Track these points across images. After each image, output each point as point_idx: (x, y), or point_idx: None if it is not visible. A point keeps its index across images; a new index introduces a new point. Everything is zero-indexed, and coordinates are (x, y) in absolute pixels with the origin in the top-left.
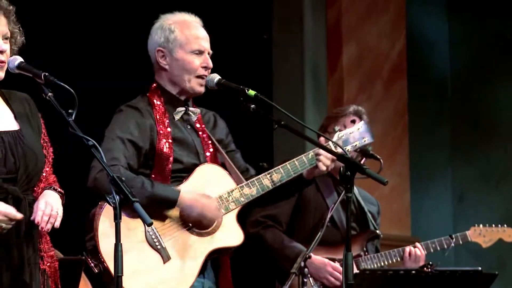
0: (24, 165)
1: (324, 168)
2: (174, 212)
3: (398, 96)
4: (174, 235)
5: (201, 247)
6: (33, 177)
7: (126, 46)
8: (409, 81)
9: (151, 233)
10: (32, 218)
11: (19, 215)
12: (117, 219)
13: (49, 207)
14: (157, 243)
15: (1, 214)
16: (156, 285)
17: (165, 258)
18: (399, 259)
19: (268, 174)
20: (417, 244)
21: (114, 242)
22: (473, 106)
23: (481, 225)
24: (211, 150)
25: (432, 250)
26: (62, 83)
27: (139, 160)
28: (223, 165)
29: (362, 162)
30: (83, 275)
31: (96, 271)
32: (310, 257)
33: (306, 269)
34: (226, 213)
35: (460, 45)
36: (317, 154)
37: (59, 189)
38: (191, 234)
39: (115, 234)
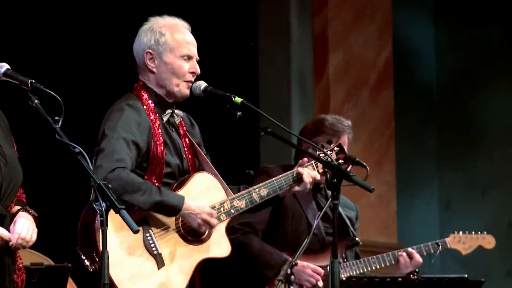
0: (7, 182)
1: (308, 185)
2: (170, 219)
3: (385, 104)
4: (168, 242)
5: (192, 256)
6: (14, 193)
7: (115, 46)
8: (395, 89)
9: (149, 238)
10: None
11: (8, 236)
12: (103, 226)
13: (25, 230)
14: (153, 249)
15: None
16: None
17: (160, 264)
18: (378, 266)
19: (257, 188)
20: (410, 250)
21: (114, 242)
22: (459, 114)
23: (460, 232)
24: (192, 154)
25: None
26: (48, 90)
27: (137, 162)
28: (199, 168)
29: (348, 169)
30: (70, 281)
31: (91, 270)
32: (296, 264)
33: (292, 276)
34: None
35: (446, 54)
36: (299, 173)
37: (32, 212)
38: (184, 242)
39: (101, 241)
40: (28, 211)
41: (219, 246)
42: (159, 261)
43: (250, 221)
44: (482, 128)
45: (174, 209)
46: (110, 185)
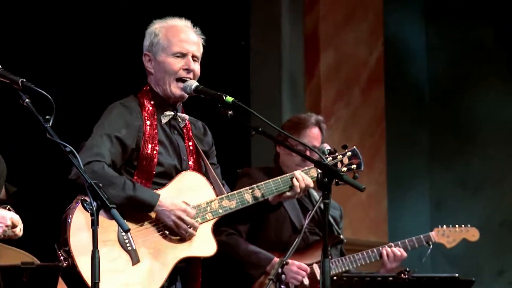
0: (2, 176)
1: (298, 190)
2: (151, 216)
3: (376, 103)
4: (147, 239)
5: (172, 253)
6: (2, 185)
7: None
8: (386, 88)
9: (123, 233)
10: None
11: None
12: (94, 225)
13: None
14: (128, 245)
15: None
16: (121, 287)
17: (135, 260)
18: (363, 262)
19: (250, 189)
20: (392, 245)
21: (86, 237)
22: (450, 113)
23: (444, 226)
24: (195, 157)
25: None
26: (39, 89)
27: (124, 158)
28: (205, 175)
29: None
30: (60, 280)
31: (65, 265)
32: (287, 263)
33: (283, 276)
34: (202, 223)
35: (437, 52)
36: (292, 177)
37: (13, 211)
38: (164, 240)
39: (92, 240)
40: (8, 210)
41: (203, 244)
42: (134, 257)
43: (233, 222)
44: (474, 127)
45: (147, 206)
46: (82, 179)
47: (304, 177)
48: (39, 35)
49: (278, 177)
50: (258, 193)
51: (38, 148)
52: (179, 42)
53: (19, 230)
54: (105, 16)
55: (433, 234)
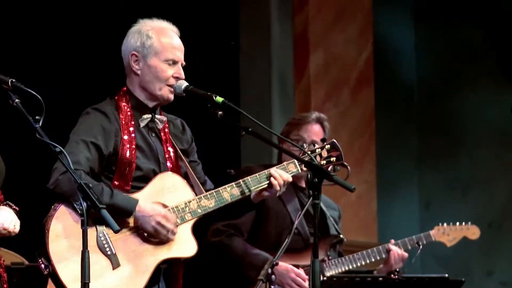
0: (1, 176)
1: (278, 188)
2: (130, 219)
3: (365, 103)
4: (126, 242)
5: (152, 256)
6: None
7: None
8: (376, 89)
9: (102, 238)
10: None
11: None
12: (84, 226)
13: (8, 221)
14: (107, 249)
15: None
16: None
17: (115, 264)
18: (363, 262)
19: (229, 187)
20: (393, 242)
21: (65, 244)
22: (439, 114)
23: (445, 224)
24: (173, 159)
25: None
26: (29, 90)
27: (101, 164)
28: (185, 176)
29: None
30: (49, 281)
31: (46, 272)
32: (277, 264)
33: (273, 276)
34: (181, 224)
35: (426, 53)
36: (270, 175)
37: (13, 206)
38: (144, 242)
39: (82, 241)
40: (10, 206)
41: (183, 245)
42: (114, 262)
43: (234, 222)
44: (463, 128)
45: (125, 212)
46: (60, 187)
47: (281, 174)
48: (37, 35)
49: (256, 174)
50: (236, 191)
51: (37, 148)
52: (172, 49)
53: (13, 227)
54: (103, 16)
55: (433, 232)
